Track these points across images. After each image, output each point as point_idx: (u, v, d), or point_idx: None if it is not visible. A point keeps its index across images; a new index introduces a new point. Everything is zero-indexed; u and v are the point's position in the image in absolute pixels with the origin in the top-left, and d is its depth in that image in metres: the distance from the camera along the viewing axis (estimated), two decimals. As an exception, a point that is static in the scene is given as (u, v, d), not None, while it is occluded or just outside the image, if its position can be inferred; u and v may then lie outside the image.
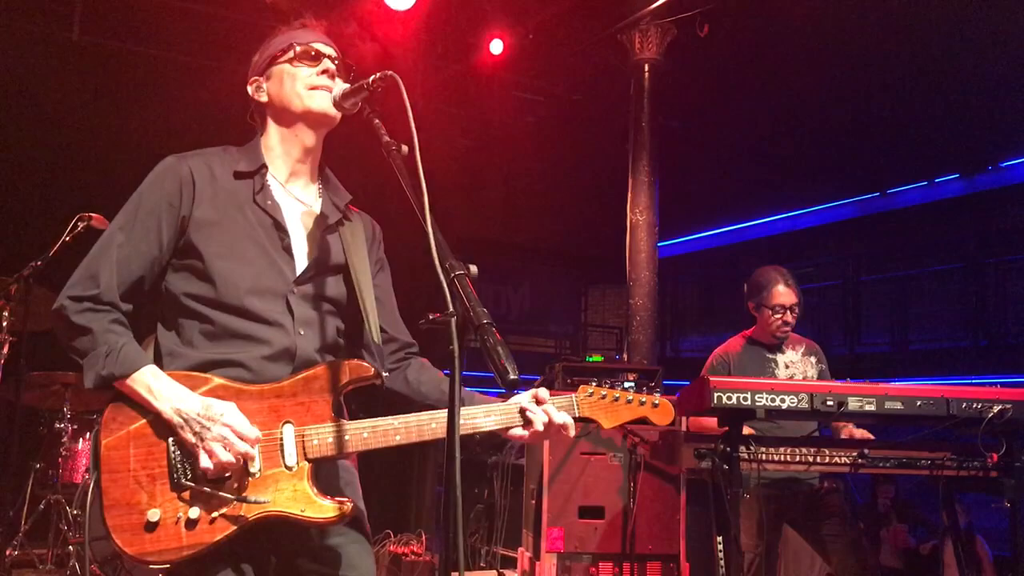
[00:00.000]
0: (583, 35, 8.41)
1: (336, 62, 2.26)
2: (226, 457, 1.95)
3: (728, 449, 3.51)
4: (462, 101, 9.25)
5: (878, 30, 7.81)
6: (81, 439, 5.40)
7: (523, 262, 11.44)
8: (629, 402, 2.36)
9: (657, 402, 2.37)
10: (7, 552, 5.14)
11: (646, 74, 7.96)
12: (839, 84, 8.63)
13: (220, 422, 1.95)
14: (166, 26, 7.89)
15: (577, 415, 2.30)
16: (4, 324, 4.98)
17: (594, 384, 2.34)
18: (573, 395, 2.31)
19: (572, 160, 10.27)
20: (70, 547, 5.12)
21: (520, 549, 5.74)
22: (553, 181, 10.35)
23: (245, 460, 1.98)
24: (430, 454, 7.80)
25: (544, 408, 2.20)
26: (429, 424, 2.11)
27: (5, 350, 5.04)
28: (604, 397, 2.33)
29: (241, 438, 1.96)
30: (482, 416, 2.17)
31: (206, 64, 7.99)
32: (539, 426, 2.18)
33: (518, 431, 2.20)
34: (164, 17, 7.83)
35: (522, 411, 2.19)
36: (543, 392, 2.23)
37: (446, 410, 2.12)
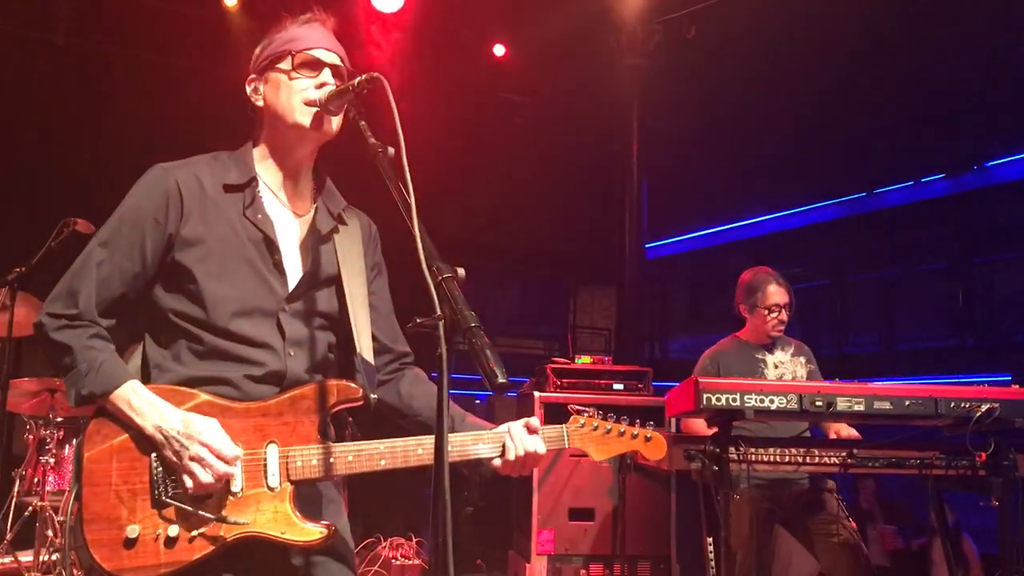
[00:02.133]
0: (571, 37, 8.41)
1: (342, 68, 2.18)
2: (206, 478, 1.92)
3: (718, 450, 3.51)
4: (450, 103, 9.23)
5: (864, 30, 7.84)
6: (67, 445, 5.35)
7: (511, 264, 11.42)
8: (621, 435, 2.33)
9: (650, 436, 2.35)
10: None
11: (633, 75, 7.98)
12: (825, 85, 8.65)
13: (198, 441, 1.92)
14: (152, 29, 7.85)
15: (567, 446, 2.28)
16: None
17: (586, 415, 2.32)
18: (564, 426, 2.28)
19: (560, 162, 10.27)
20: (56, 554, 5.08)
21: (510, 552, 5.73)
22: (541, 183, 10.34)
23: (227, 479, 1.95)
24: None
25: (519, 439, 2.16)
26: (415, 450, 2.08)
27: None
28: (596, 429, 2.31)
29: (220, 458, 1.93)
30: (471, 443, 2.15)
31: (192, 67, 7.95)
32: (511, 457, 2.15)
33: (498, 461, 2.17)
34: (150, 20, 7.79)
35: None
36: (534, 421, 2.20)
37: (432, 436, 2.10)
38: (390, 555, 5.98)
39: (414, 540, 6.20)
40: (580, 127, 9.78)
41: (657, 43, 7.94)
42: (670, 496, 5.32)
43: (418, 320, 1.68)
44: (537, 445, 2.17)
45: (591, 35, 8.23)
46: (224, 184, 2.14)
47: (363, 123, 2.03)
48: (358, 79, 2.03)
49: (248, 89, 2.22)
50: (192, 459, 1.91)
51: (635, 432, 2.34)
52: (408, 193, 1.78)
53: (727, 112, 9.16)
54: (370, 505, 6.52)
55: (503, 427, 2.20)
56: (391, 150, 1.91)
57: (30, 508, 5.26)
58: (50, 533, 5.16)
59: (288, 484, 2.01)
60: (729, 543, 3.62)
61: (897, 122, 8.85)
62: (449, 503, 1.58)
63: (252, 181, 2.17)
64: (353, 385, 2.11)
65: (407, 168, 1.79)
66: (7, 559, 5.28)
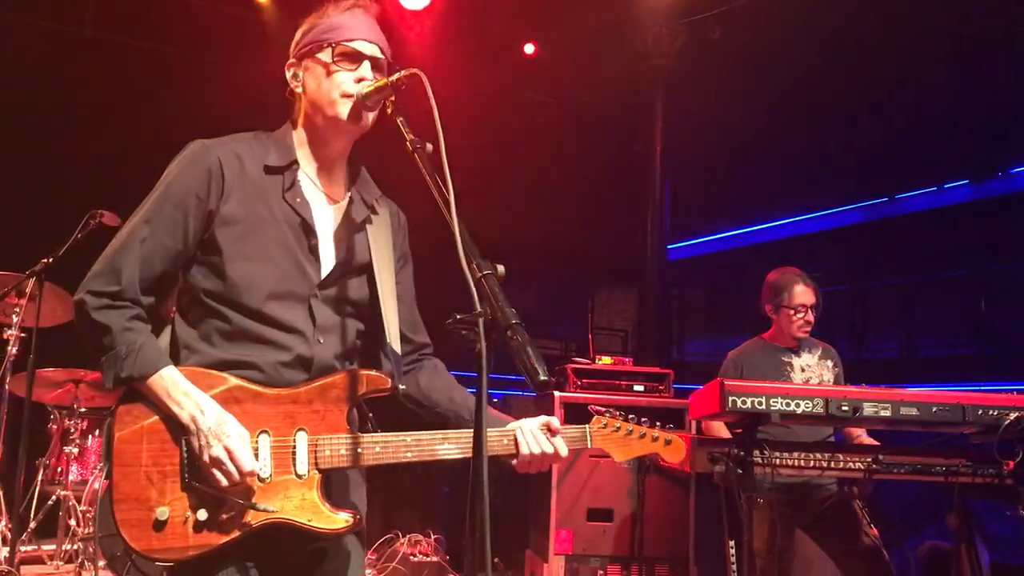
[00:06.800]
0: (595, 37, 8.39)
1: (381, 60, 2.17)
2: (220, 481, 1.93)
3: (742, 453, 3.49)
4: (473, 102, 9.23)
5: (889, 35, 7.79)
6: (91, 436, 5.40)
7: (530, 263, 11.40)
8: (642, 437, 2.37)
9: (669, 439, 2.38)
10: (16, 548, 5.14)
11: (658, 76, 7.96)
12: (848, 88, 8.61)
13: (223, 444, 1.93)
14: (179, 22, 7.88)
15: (590, 447, 2.30)
16: (15, 320, 4.99)
17: (607, 415, 2.34)
18: (587, 426, 2.32)
19: (582, 161, 10.25)
20: (79, 543, 5.12)
21: (527, 551, 5.72)
22: (563, 182, 10.32)
23: (237, 488, 1.95)
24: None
25: (536, 439, 2.17)
26: (442, 444, 2.11)
27: (15, 347, 5.05)
28: (617, 430, 2.34)
29: (236, 467, 1.93)
30: (493, 438, 2.15)
31: (219, 61, 7.98)
32: (524, 452, 2.17)
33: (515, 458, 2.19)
34: (177, 13, 7.83)
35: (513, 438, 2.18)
36: (554, 421, 2.21)
37: (457, 430, 2.14)
38: (408, 551, 5.99)
39: (432, 536, 6.21)
40: (603, 127, 9.75)
41: (682, 44, 7.91)
42: (689, 498, 5.30)
43: (458, 317, 1.68)
44: (559, 446, 2.19)
45: (616, 35, 8.21)
46: (265, 165, 2.13)
47: (401, 119, 2.03)
48: (397, 75, 2.03)
49: (288, 74, 2.22)
50: (212, 458, 1.92)
51: (655, 435, 2.38)
52: (448, 189, 1.78)
53: (750, 114, 9.12)
54: (388, 501, 6.54)
55: (513, 424, 2.21)
56: (430, 146, 1.91)
57: (53, 497, 5.31)
58: (73, 522, 5.20)
59: (316, 472, 2.02)
60: (751, 547, 3.59)
61: (920, 127, 8.80)
62: (487, 498, 1.58)
63: (292, 164, 2.17)
64: (382, 375, 2.12)
65: (447, 165, 1.79)
66: (30, 547, 5.32)
